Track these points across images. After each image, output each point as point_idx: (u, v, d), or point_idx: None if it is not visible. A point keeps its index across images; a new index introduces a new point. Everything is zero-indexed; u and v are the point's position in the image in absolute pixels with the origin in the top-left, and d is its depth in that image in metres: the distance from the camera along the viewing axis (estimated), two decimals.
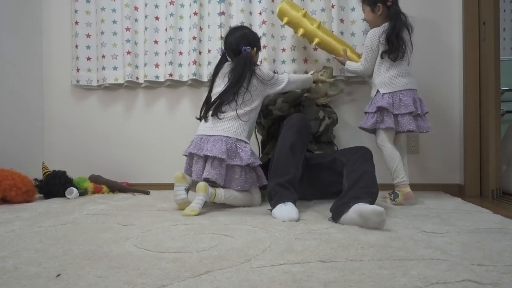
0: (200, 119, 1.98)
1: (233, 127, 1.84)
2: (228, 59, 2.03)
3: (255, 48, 2.03)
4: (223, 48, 2.07)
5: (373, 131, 2.02)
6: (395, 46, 1.90)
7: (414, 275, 0.86)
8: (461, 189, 2.38)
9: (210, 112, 1.90)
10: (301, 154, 1.74)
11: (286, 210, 1.54)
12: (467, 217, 1.53)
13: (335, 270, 0.90)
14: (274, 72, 2.15)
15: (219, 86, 1.94)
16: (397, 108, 1.90)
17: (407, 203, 1.87)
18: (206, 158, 1.79)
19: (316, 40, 2.19)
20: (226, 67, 1.98)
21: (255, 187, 1.88)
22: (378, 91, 1.96)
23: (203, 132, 1.88)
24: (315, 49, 2.49)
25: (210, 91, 2.01)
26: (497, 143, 2.21)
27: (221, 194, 1.76)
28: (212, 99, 1.94)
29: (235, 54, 1.97)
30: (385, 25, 1.95)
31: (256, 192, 1.90)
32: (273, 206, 1.61)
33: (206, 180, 1.77)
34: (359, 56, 2.13)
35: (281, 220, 1.50)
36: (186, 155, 1.92)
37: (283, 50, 2.56)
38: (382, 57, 1.95)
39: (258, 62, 2.33)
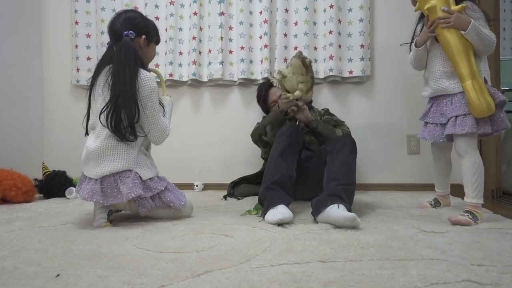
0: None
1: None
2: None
3: (143, 36, 1.55)
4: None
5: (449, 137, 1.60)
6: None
7: (414, 275, 0.86)
8: (461, 189, 2.38)
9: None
10: (293, 159, 1.71)
11: (278, 212, 1.45)
12: None
13: (335, 270, 0.90)
14: None
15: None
16: None
17: None
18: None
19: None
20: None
21: None
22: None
23: None
24: (325, 47, 2.48)
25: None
26: (497, 143, 2.21)
27: None
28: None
29: (116, 40, 1.51)
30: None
31: None
32: (264, 213, 1.52)
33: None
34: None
35: (274, 223, 1.41)
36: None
37: (284, 48, 2.56)
38: None
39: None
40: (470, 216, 1.43)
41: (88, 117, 1.54)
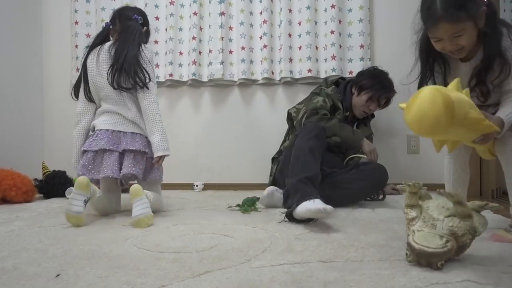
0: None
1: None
2: (111, 38, 1.75)
3: (145, 28, 1.77)
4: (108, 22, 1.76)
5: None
6: None
7: (414, 275, 0.86)
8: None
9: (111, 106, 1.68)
10: (319, 160, 1.68)
11: (317, 203, 1.35)
12: None
13: (335, 270, 0.90)
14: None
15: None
16: None
17: None
18: (123, 152, 1.61)
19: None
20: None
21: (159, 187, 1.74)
22: None
23: (113, 127, 1.64)
24: (326, 47, 2.48)
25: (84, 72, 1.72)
26: None
27: (150, 197, 1.54)
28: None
29: (122, 21, 1.71)
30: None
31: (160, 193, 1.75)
32: (296, 204, 1.41)
33: (126, 176, 1.63)
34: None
35: (315, 211, 1.32)
36: (88, 151, 1.61)
37: (279, 49, 2.56)
38: None
39: None
40: None
41: (84, 87, 1.72)
